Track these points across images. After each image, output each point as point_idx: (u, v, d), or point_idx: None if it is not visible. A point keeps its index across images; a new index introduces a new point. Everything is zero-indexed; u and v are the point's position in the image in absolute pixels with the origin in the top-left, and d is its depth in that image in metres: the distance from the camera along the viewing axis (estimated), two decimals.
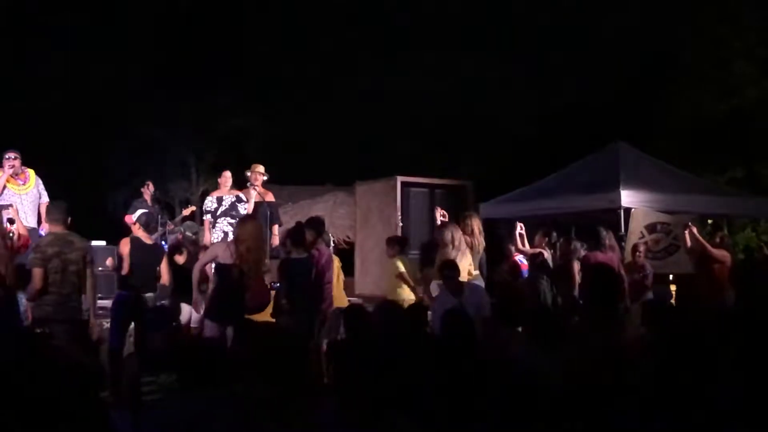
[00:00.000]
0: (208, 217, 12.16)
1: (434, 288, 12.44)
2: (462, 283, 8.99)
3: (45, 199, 10.98)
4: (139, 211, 10.10)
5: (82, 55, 25.62)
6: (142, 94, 25.83)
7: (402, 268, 10.96)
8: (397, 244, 11.33)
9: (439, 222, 11.61)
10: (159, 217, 13.30)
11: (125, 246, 9.43)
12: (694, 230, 12.23)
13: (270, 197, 12.50)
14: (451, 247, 10.26)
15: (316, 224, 10.37)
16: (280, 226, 12.50)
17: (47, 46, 25.59)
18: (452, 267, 9.11)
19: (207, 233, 12.05)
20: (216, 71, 26.05)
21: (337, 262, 11.14)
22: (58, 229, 8.34)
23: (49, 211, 8.71)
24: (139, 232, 9.60)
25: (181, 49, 26.13)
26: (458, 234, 10.49)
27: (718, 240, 12.33)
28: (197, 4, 27.36)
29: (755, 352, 4.89)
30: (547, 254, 11.17)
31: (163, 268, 9.64)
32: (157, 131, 26.19)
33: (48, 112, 25.32)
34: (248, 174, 12.59)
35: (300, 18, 28.00)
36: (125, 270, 9.31)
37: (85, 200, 23.05)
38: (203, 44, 26.30)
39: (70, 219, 8.48)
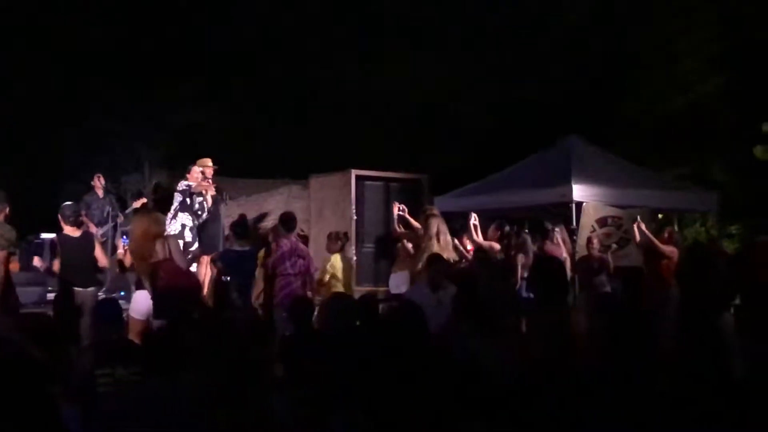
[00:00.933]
0: (176, 196, 12.29)
1: (393, 280, 12.55)
2: (444, 279, 8.94)
3: None
4: (63, 204, 9.96)
5: (35, 46, 25.27)
6: (95, 85, 25.52)
7: (338, 267, 10.98)
8: (340, 241, 11.33)
9: (396, 217, 11.63)
10: (110, 209, 13.27)
11: (56, 245, 9.39)
12: (642, 226, 12.39)
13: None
14: (435, 240, 10.35)
15: (284, 221, 10.41)
16: None
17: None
18: (442, 261, 9.11)
19: None
20: (170, 64, 25.83)
21: None
22: None
23: None
24: (64, 225, 9.50)
25: (136, 41, 25.86)
26: (444, 227, 10.61)
27: (666, 235, 12.49)
28: None
29: (699, 345, 4.98)
30: (499, 248, 11.23)
31: (99, 252, 9.58)
32: (110, 123, 25.92)
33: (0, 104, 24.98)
34: (200, 170, 12.64)
35: (256, 11, 27.83)
36: (56, 267, 9.24)
37: (37, 193, 22.78)
38: (157, 36, 26.05)
39: (8, 209, 8.45)
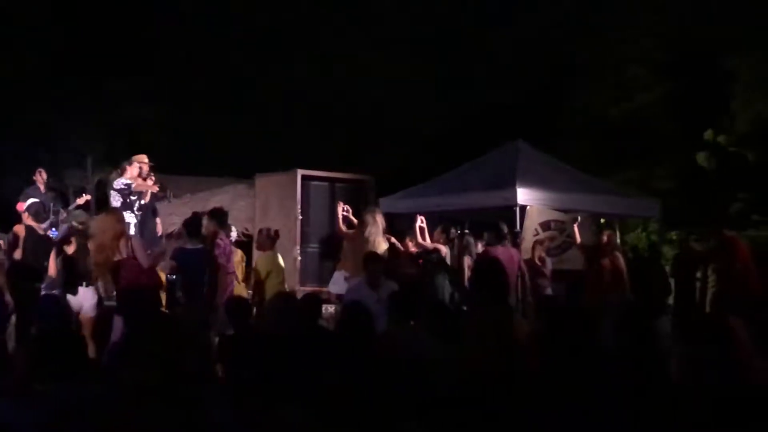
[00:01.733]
0: (114, 194, 12.08)
1: (333, 278, 12.58)
2: (381, 277, 8.94)
3: None
4: (30, 200, 10.02)
5: None
6: (37, 80, 25.11)
7: (268, 267, 10.90)
8: (270, 239, 11.25)
9: (341, 216, 11.68)
10: (52, 205, 13.08)
11: (21, 231, 9.41)
12: (577, 235, 12.63)
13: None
14: (369, 240, 10.47)
15: (218, 215, 10.36)
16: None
17: None
18: (377, 260, 9.15)
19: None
20: (114, 58, 25.50)
21: (239, 256, 11.17)
22: None
23: None
24: (29, 221, 9.53)
25: (79, 35, 25.49)
26: (375, 229, 10.70)
27: (605, 239, 12.60)
28: None
29: (637, 348, 5.06)
30: (445, 250, 11.31)
31: (51, 259, 9.53)
32: (52, 118, 25.50)
33: None
34: (140, 166, 12.50)
35: (201, 6, 27.65)
36: (18, 255, 9.23)
37: None
38: (101, 30, 25.73)
39: None
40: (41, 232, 9.65)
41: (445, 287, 10.94)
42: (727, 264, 11.53)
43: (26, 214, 9.80)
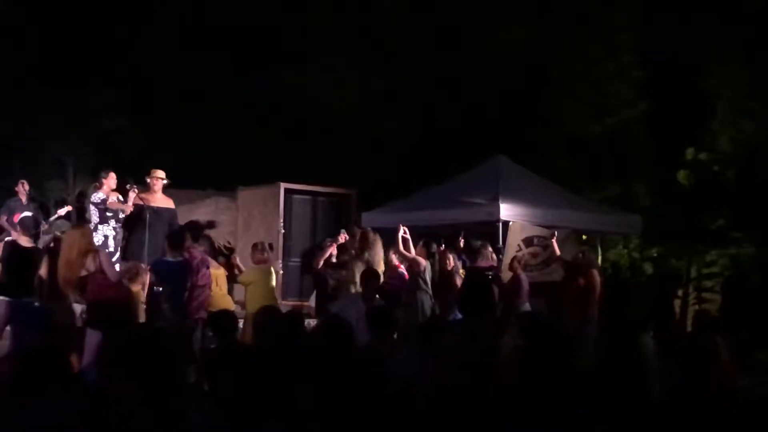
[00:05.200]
0: (92, 209, 12.04)
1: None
2: (376, 294, 9.05)
3: None
4: (24, 214, 10.02)
5: None
6: (15, 89, 24.91)
7: (268, 278, 10.95)
8: (266, 251, 11.30)
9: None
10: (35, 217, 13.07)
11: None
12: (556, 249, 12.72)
13: (171, 203, 12.56)
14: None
15: (191, 229, 10.45)
16: None
17: None
18: (376, 277, 9.42)
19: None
20: (95, 68, 25.37)
21: (221, 270, 11.18)
22: None
23: None
24: (18, 235, 9.54)
25: (58, 44, 25.33)
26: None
27: (581, 255, 12.65)
28: None
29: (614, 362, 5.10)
30: (425, 263, 11.34)
31: (42, 271, 9.52)
32: (32, 129, 25.29)
33: None
34: (147, 180, 12.56)
35: (181, 18, 27.58)
36: None
37: None
38: (82, 39, 25.58)
39: None
40: (28, 245, 9.61)
41: (426, 302, 10.97)
42: None
43: (18, 228, 9.81)
